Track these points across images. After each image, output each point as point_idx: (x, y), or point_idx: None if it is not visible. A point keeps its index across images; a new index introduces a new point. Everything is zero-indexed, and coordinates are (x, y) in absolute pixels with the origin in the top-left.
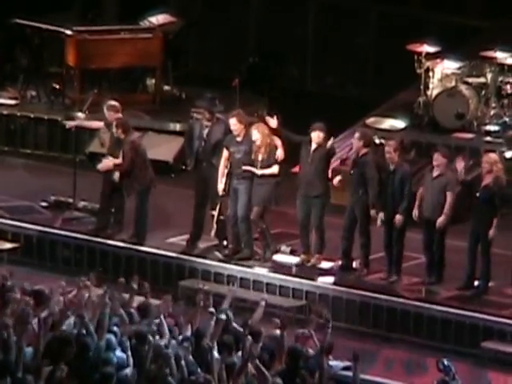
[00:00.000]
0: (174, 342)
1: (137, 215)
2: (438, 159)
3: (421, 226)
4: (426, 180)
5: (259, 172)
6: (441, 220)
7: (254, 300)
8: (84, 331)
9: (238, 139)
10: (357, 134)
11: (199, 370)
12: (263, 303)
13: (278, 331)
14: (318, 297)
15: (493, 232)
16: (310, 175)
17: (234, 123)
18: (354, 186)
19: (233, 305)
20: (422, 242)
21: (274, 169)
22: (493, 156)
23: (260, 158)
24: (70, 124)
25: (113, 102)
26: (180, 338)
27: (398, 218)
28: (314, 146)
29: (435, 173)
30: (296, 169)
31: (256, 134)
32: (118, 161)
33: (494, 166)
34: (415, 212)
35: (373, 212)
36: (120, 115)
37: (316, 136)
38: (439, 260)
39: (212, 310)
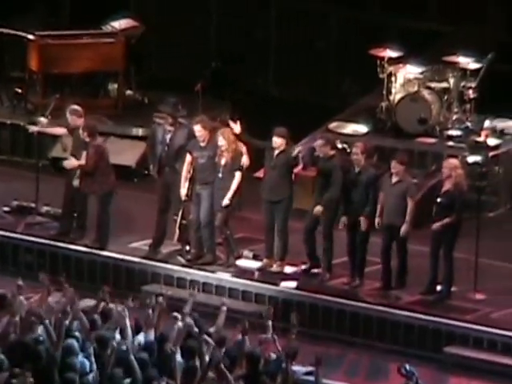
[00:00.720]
0: (136, 346)
1: (99, 220)
2: (395, 166)
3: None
4: (385, 186)
5: (228, 197)
6: (404, 228)
7: (217, 305)
8: (44, 336)
9: (202, 144)
10: (320, 141)
11: (161, 374)
12: (224, 308)
13: (240, 336)
14: (281, 302)
15: (436, 226)
16: (273, 180)
17: (198, 129)
18: (319, 189)
19: (195, 310)
20: (381, 247)
21: (237, 176)
22: (452, 161)
23: (223, 162)
24: (32, 129)
25: (75, 107)
26: (142, 341)
27: (363, 221)
28: (276, 151)
29: (394, 179)
30: (260, 173)
31: (221, 140)
32: (82, 162)
33: (452, 172)
34: (378, 219)
35: (317, 209)
36: (82, 120)
37: (275, 141)
38: (402, 265)
39: (176, 314)
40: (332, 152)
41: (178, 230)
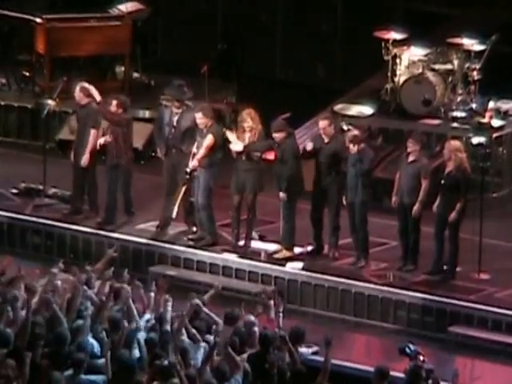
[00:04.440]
0: (142, 326)
1: (108, 194)
2: (410, 146)
3: (394, 213)
4: (401, 165)
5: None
6: (415, 209)
7: (224, 286)
8: (54, 318)
9: (204, 131)
10: (326, 121)
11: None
12: (218, 285)
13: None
14: (287, 282)
15: (454, 216)
16: (279, 171)
17: (199, 117)
18: (326, 169)
19: (202, 291)
20: (398, 228)
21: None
22: (453, 143)
23: (248, 140)
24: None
25: (85, 84)
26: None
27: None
28: (278, 144)
29: (410, 158)
30: (270, 155)
31: (248, 121)
32: (106, 138)
33: (452, 154)
34: (394, 198)
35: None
36: (88, 99)
37: (275, 137)
38: (414, 246)
39: (168, 297)
40: (336, 133)
41: (179, 210)
